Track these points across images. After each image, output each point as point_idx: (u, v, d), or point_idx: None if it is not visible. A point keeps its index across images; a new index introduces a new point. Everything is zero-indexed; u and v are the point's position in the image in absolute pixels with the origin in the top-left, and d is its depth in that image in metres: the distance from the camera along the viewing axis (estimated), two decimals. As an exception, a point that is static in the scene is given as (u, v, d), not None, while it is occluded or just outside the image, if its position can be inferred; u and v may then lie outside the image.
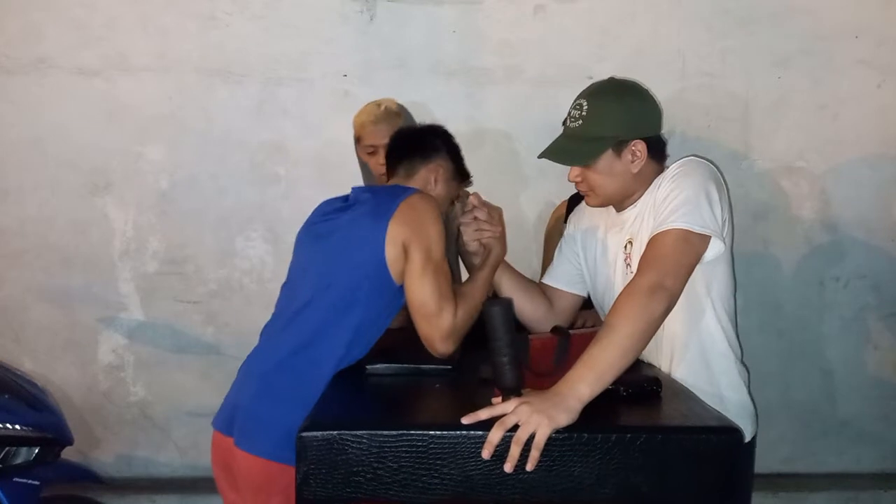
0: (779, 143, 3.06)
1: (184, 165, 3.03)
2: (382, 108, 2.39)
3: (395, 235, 1.59)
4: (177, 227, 3.05)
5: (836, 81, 3.03)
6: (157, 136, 3.01)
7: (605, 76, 1.77)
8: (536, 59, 3.02)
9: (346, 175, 2.98)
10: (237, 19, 2.98)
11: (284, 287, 1.80)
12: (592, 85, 1.71)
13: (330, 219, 1.74)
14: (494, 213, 1.77)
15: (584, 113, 1.64)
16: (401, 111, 2.44)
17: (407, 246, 1.59)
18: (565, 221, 2.53)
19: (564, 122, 1.71)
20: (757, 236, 3.07)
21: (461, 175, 1.87)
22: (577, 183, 1.70)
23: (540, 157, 1.70)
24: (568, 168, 1.90)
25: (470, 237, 1.76)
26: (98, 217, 3.03)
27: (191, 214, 3.05)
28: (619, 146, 1.62)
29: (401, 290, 1.64)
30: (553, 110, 2.78)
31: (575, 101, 1.68)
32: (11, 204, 3.02)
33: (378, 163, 2.31)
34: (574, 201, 2.59)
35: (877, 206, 3.07)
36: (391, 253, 1.60)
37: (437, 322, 1.58)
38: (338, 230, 1.69)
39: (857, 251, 3.09)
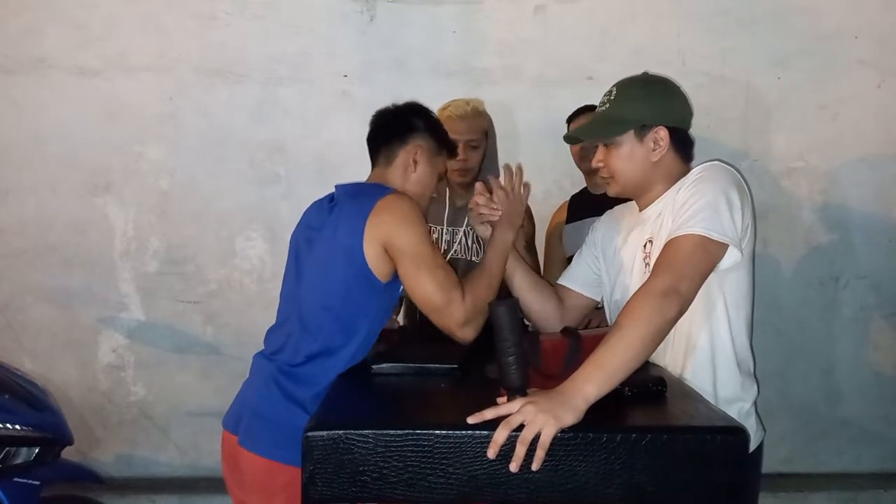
0: (779, 143, 3.06)
1: (184, 165, 3.03)
2: (470, 106, 2.40)
3: (373, 237, 1.59)
4: (177, 227, 3.05)
5: (836, 81, 3.03)
6: (157, 136, 3.01)
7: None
8: (536, 59, 3.03)
9: (346, 175, 2.94)
10: (237, 19, 2.98)
11: (282, 295, 1.80)
12: (626, 77, 1.74)
13: (318, 223, 1.74)
14: (500, 194, 1.79)
15: (611, 98, 1.68)
16: (485, 113, 2.45)
17: (388, 247, 1.59)
18: (567, 223, 2.55)
19: (594, 108, 1.76)
20: (757, 236, 3.04)
21: (446, 148, 1.85)
22: (599, 168, 1.72)
23: (566, 137, 1.83)
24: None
25: (473, 221, 1.84)
26: (98, 217, 3.03)
27: (191, 214, 3.05)
28: (641, 130, 1.63)
29: (389, 286, 1.64)
30: (553, 110, 2.80)
31: (608, 90, 1.72)
32: (11, 204, 3.02)
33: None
34: (574, 203, 2.60)
35: (877, 206, 3.08)
36: (370, 253, 1.59)
37: (448, 312, 1.58)
38: (324, 237, 1.68)
39: (856, 251, 3.10)
